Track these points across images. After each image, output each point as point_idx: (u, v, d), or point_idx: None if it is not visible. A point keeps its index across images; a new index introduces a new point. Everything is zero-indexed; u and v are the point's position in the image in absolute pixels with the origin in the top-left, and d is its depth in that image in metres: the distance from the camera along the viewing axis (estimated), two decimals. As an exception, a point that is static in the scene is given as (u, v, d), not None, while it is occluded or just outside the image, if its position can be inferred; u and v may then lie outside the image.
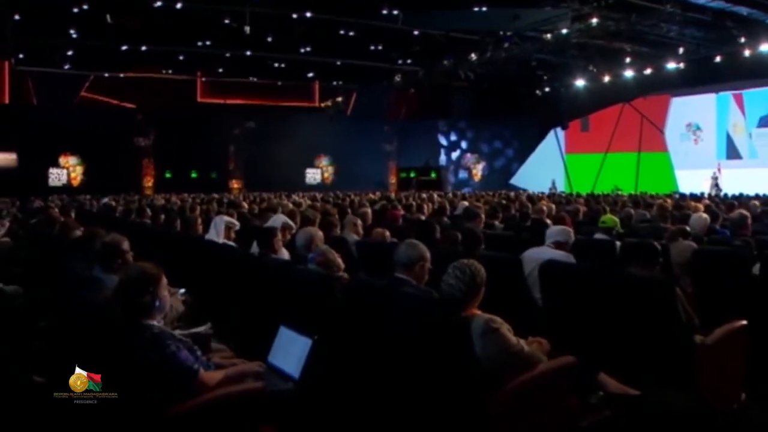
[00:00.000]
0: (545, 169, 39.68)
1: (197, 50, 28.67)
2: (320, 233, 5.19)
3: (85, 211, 15.85)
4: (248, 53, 28.94)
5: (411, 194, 32.31)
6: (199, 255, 6.31)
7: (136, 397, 2.94)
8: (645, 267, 4.28)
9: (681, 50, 27.97)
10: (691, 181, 34.32)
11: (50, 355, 4.07)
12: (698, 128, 35.82)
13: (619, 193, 35.05)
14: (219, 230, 6.92)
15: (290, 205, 12.87)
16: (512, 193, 26.94)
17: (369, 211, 10.00)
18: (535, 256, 5.31)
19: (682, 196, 24.44)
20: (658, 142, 37.28)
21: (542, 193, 32.52)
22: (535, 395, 3.35)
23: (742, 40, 25.87)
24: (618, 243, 6.32)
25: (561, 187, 38.44)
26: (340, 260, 4.44)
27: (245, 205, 14.47)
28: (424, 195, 24.76)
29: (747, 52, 26.28)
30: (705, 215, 7.23)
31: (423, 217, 10.88)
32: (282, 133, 37.28)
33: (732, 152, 34.20)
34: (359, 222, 7.33)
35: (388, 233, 6.82)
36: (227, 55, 29.81)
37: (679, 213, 8.26)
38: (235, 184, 38.10)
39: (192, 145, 35.00)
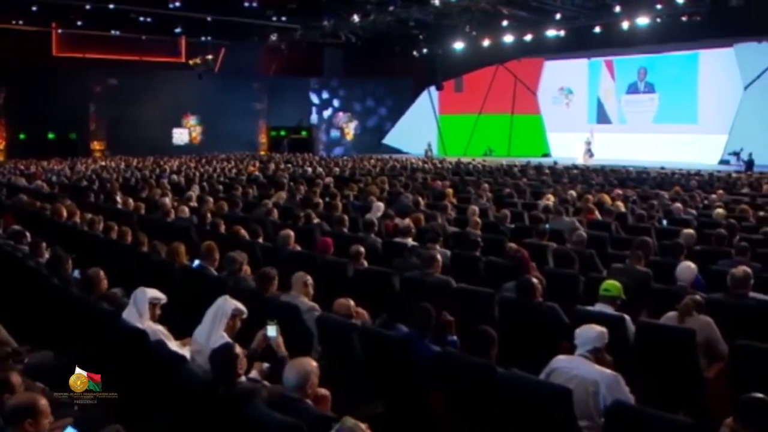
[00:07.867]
0: (418, 129, 39.43)
1: (52, 0, 25.71)
2: (315, 366, 3.92)
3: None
4: (111, 6, 26.27)
5: (283, 157, 31.00)
6: (126, 363, 4.82)
7: None
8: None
9: (558, 16, 27.92)
10: (563, 143, 35.13)
11: None
12: (570, 92, 36.59)
13: (492, 154, 35.25)
14: (142, 309, 5.28)
15: (187, 212, 11.28)
16: (398, 164, 26.12)
17: (291, 234, 8.79)
18: (570, 371, 4.30)
19: (566, 168, 24.54)
20: (531, 105, 37.83)
21: (419, 158, 32.13)
22: None
23: (618, 9, 26.12)
24: (628, 318, 5.50)
25: (435, 150, 38.30)
26: (369, 433, 3.29)
27: (130, 202, 12.56)
28: (308, 168, 23.50)
29: (625, 24, 26.57)
30: (692, 265, 6.53)
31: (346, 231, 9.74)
32: (147, 91, 34.89)
33: (602, 117, 35.21)
34: (309, 281, 6.10)
35: (352, 303, 5.68)
36: (87, 7, 27.01)
37: (628, 236, 7.58)
38: (96, 146, 35.22)
39: (48, 104, 31.84)
